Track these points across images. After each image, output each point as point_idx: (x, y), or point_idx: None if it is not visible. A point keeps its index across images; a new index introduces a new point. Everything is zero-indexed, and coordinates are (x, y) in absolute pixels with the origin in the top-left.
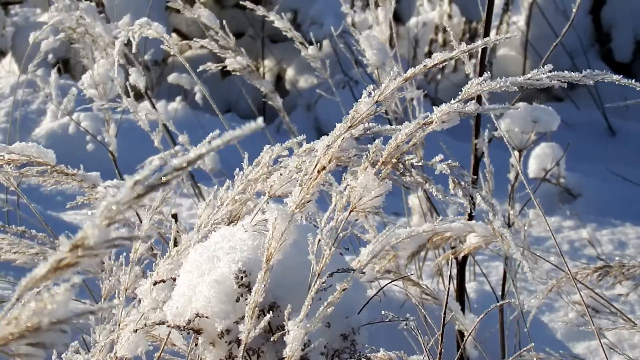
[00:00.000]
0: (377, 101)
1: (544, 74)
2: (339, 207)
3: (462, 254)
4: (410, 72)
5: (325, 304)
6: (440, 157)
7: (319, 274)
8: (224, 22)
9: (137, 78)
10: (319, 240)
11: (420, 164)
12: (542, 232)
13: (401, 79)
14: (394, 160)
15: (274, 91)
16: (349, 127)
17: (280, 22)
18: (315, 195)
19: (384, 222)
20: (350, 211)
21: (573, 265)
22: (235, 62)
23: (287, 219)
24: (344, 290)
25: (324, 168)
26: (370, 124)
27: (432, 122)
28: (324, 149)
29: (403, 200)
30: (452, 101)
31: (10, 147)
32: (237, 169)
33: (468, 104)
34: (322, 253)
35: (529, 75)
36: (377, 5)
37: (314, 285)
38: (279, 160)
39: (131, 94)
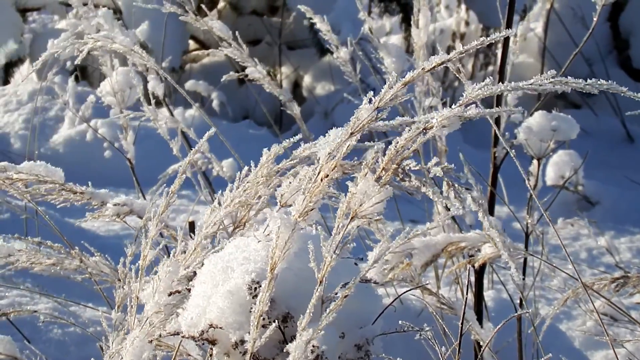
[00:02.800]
0: (377, 107)
1: (546, 79)
2: (339, 214)
3: (477, 264)
4: (408, 76)
5: (327, 311)
6: (435, 160)
7: (320, 282)
8: (240, 30)
9: (155, 85)
10: (322, 247)
11: (417, 167)
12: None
13: (400, 84)
14: (394, 166)
15: (292, 100)
16: (351, 134)
17: (322, 24)
18: (318, 203)
19: (404, 229)
20: (352, 218)
21: (591, 274)
22: (256, 70)
23: (290, 228)
24: (346, 297)
25: (326, 176)
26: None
27: (432, 127)
28: (326, 156)
29: (425, 208)
30: (453, 105)
31: (18, 167)
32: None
33: (469, 108)
34: (323, 260)
35: (532, 81)
36: (398, 12)
37: (316, 293)
38: (290, 168)
39: (152, 101)
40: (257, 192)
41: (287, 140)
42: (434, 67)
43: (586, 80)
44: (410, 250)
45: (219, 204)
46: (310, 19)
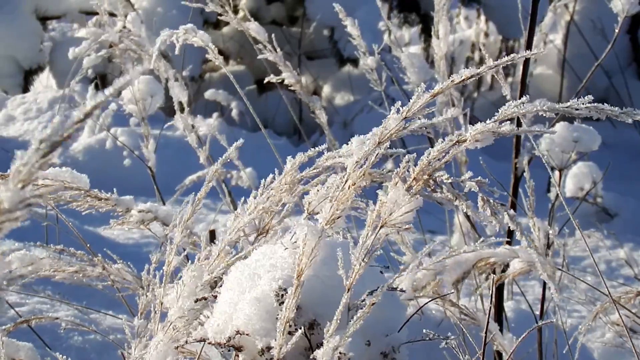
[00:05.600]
0: (405, 117)
1: (583, 104)
2: (369, 223)
3: (506, 280)
4: (437, 87)
5: (355, 318)
6: (469, 174)
7: (348, 289)
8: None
9: (179, 92)
10: (351, 255)
11: (449, 180)
12: (578, 251)
13: (429, 95)
14: (426, 177)
15: (320, 107)
16: (378, 143)
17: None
18: (345, 211)
19: (424, 240)
20: (381, 226)
21: (610, 286)
22: (291, 75)
23: (317, 235)
24: (373, 304)
25: (354, 184)
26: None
27: (465, 140)
28: (353, 165)
29: (446, 219)
30: (488, 121)
31: (44, 173)
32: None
33: (503, 124)
34: (352, 268)
35: (568, 104)
36: (418, 23)
37: (343, 300)
38: (314, 177)
39: (183, 108)
40: (281, 200)
41: (313, 150)
42: (464, 80)
43: (607, 92)
44: (441, 268)
45: (243, 210)
46: (331, 28)
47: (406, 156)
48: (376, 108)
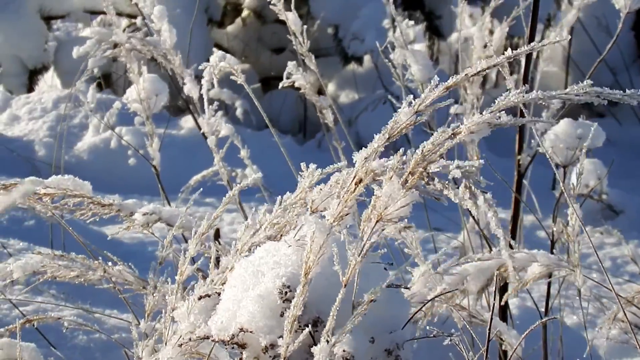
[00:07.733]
0: (417, 111)
1: (582, 89)
2: (364, 218)
3: (527, 285)
4: (451, 81)
5: (354, 314)
6: (456, 163)
7: (345, 285)
8: (264, 38)
9: (191, 88)
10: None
11: (438, 169)
12: (583, 248)
13: (442, 88)
14: (421, 170)
15: (327, 107)
16: (388, 138)
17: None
18: (353, 208)
19: (431, 237)
20: (377, 221)
21: (615, 282)
22: (301, 77)
23: (325, 232)
24: (372, 301)
25: (361, 181)
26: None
27: (460, 132)
28: (361, 161)
29: (460, 215)
30: (484, 112)
31: (46, 182)
32: (280, 196)
33: (500, 115)
34: (348, 264)
35: (567, 90)
36: (422, 21)
37: (339, 296)
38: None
39: (209, 105)
40: (295, 213)
41: (331, 166)
42: (479, 72)
43: (612, 89)
44: (461, 275)
45: (257, 223)
46: (335, 27)
47: (400, 150)
48: (395, 102)
